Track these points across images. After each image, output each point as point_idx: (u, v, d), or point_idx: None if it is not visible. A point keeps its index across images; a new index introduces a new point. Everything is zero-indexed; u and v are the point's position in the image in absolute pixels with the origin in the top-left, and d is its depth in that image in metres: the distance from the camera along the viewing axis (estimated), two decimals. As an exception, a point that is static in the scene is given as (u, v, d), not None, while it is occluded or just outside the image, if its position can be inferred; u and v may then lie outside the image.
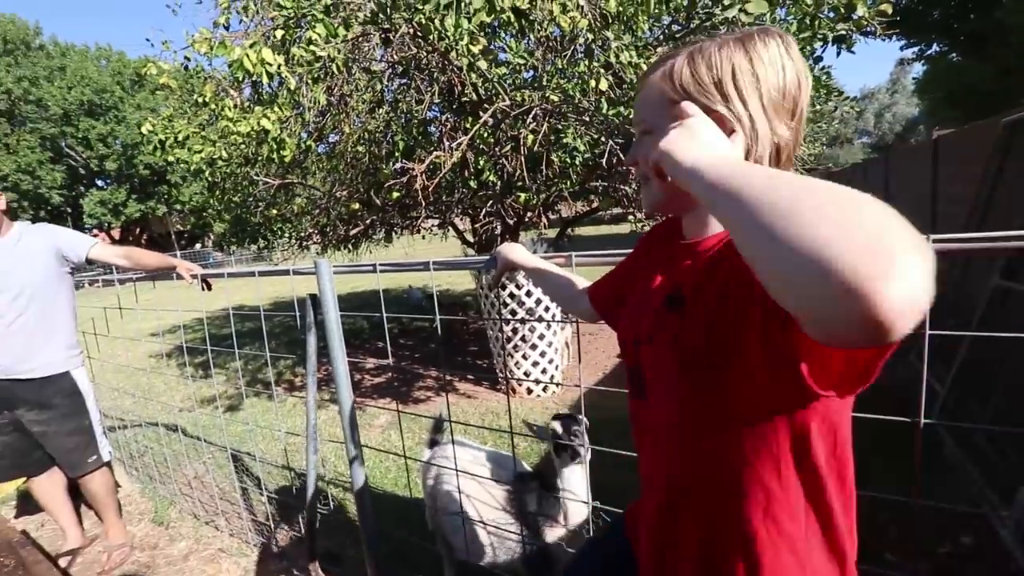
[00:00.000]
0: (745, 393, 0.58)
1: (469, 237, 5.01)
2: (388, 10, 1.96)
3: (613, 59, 2.69)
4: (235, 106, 3.19)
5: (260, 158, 3.12)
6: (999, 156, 3.76)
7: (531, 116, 2.39)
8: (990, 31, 10.84)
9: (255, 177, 3.36)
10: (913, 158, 7.37)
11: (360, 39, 2.58)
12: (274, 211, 3.81)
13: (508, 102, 2.39)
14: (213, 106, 3.05)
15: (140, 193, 27.48)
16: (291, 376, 5.34)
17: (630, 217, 4.48)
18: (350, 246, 4.61)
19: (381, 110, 2.82)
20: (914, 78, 19.90)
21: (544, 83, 2.36)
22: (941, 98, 13.98)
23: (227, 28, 3.26)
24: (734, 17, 1.85)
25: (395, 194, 3.60)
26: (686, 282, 0.66)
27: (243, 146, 3.16)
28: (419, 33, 2.11)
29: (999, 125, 3.82)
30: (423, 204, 2.83)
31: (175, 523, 2.65)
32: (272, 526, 2.40)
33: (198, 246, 31.92)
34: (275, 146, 3.03)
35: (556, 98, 2.40)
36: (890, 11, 1.83)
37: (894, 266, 0.32)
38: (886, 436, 2.90)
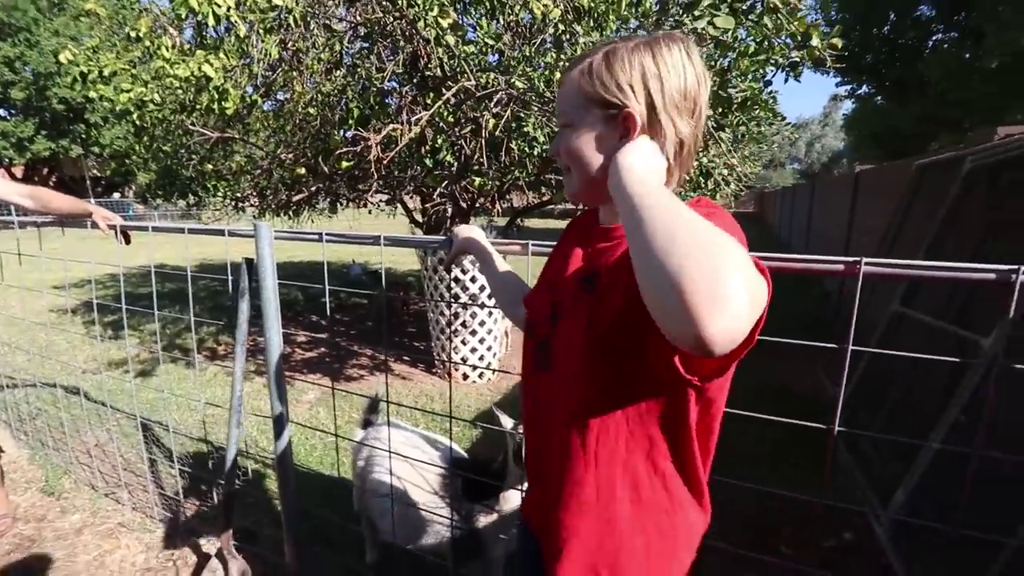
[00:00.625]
0: (642, 368, 0.68)
1: (418, 216, 4.90)
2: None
3: (579, 54, 2.70)
4: (173, 47, 2.92)
5: (199, 107, 2.87)
6: (910, 194, 4.15)
7: (495, 100, 2.36)
8: (912, 81, 11.90)
9: (191, 127, 3.10)
10: (836, 188, 8.02)
11: (322, -6, 2.43)
12: (209, 166, 3.54)
13: (473, 83, 2.35)
14: (148, 43, 2.78)
15: (52, 130, 24.61)
16: (214, 344, 5.02)
17: (579, 213, 4.55)
18: (291, 213, 4.38)
19: (338, 73, 2.67)
20: (844, 114, 21.54)
21: (511, 68, 2.33)
22: (866, 136, 15.23)
23: (171, -40, 2.97)
24: (702, 29, 1.91)
25: (345, 163, 3.45)
26: (603, 265, 0.73)
27: (180, 91, 2.90)
28: (388, -2, 2.02)
29: (913, 167, 4.22)
30: (375, 177, 2.73)
31: (68, 494, 2.43)
32: (182, 500, 2.26)
33: (116, 195, 29.14)
34: (216, 96, 2.81)
35: (521, 85, 2.38)
36: (840, 45, 1.96)
37: (720, 310, 0.43)
38: (788, 441, 3.14)
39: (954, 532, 0.97)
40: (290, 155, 3.36)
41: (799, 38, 1.94)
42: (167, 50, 2.82)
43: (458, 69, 2.50)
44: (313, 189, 3.65)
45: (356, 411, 3.45)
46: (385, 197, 5.31)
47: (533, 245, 1.27)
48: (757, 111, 2.55)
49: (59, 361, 3.97)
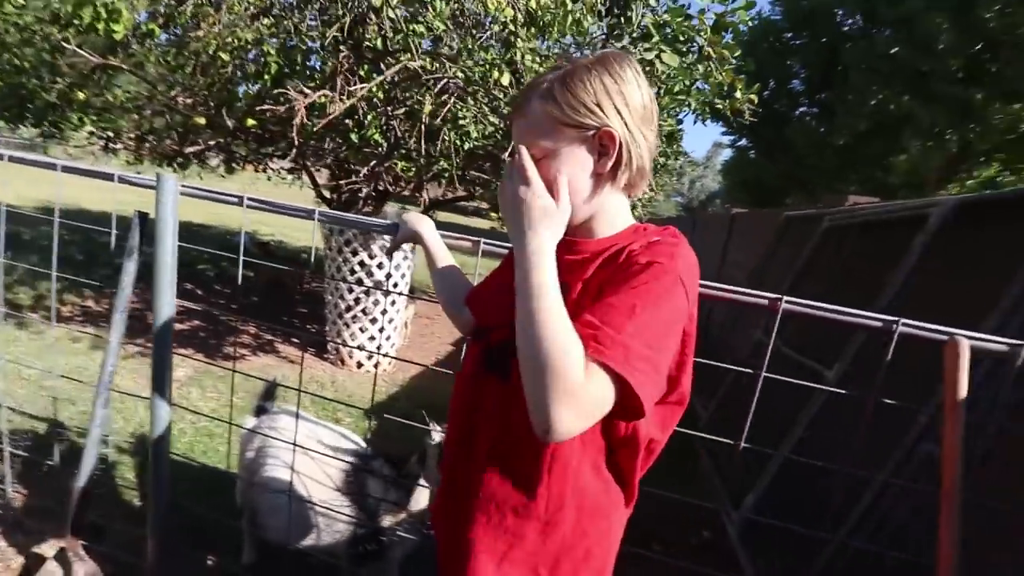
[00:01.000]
0: None
1: (325, 192, 4.59)
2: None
3: (519, 58, 2.73)
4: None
5: (78, 22, 2.41)
6: (776, 239, 4.80)
7: (440, 86, 2.29)
8: (779, 143, 13.76)
9: (64, 44, 2.59)
10: (714, 224, 9.01)
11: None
12: (81, 95, 2.97)
13: (418, 64, 2.26)
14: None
15: None
16: (59, 303, 4.24)
17: (492, 215, 4.55)
18: (176, 165, 3.85)
19: (265, 21, 2.41)
20: (723, 160, 24.31)
21: (459, 57, 2.28)
22: (738, 182, 17.28)
23: None
24: (650, 59, 2.03)
25: (251, 121, 3.13)
26: (570, 281, 0.73)
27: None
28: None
29: (781, 216, 4.88)
30: (294, 143, 2.50)
31: None
32: (9, 490, 1.88)
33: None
34: (105, 14, 2.40)
35: (467, 75, 2.34)
36: (755, 100, 2.21)
37: (547, 433, 0.58)
38: (667, 452, 3.46)
39: (792, 529, 1.14)
40: (188, 100, 2.96)
41: (724, 88, 2.15)
42: (40, -56, 2.35)
43: (401, 46, 2.39)
44: (211, 143, 3.26)
45: (238, 395, 3.13)
46: (289, 165, 4.91)
47: (484, 244, 1.25)
48: (675, 145, 2.78)
49: None
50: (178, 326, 4.23)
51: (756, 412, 1.15)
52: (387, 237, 4.42)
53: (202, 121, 3.00)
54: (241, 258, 1.40)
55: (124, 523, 1.88)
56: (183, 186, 1.45)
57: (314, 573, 1.71)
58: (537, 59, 2.82)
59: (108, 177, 1.48)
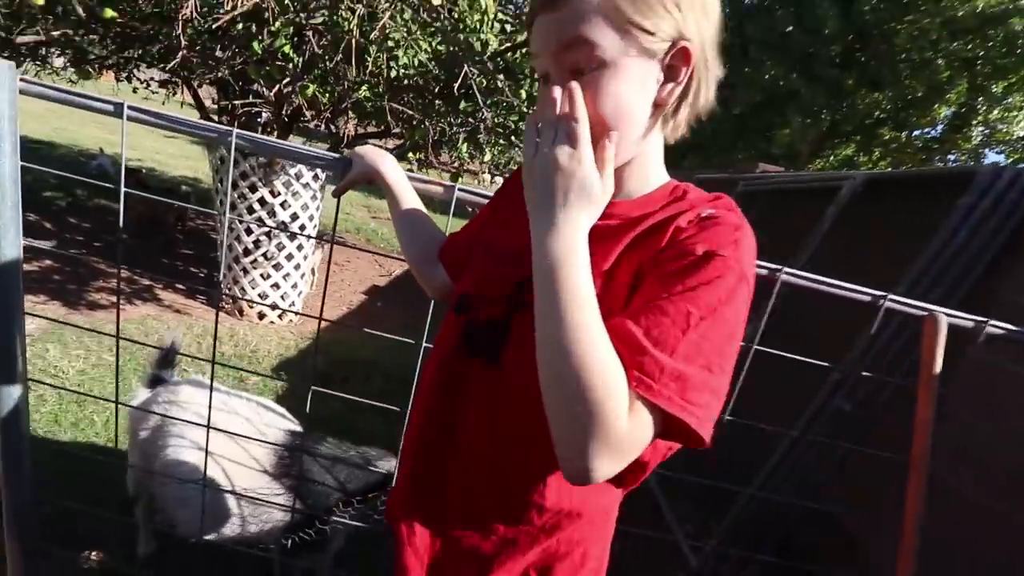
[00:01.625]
0: None
1: (213, 115, 3.89)
2: None
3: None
4: None
5: None
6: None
7: (372, -5, 1.92)
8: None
9: None
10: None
11: None
12: None
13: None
14: None
15: None
16: None
17: (411, 155, 4.18)
18: (2, 57, 2.98)
19: None
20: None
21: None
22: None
23: None
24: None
25: (110, 12, 2.47)
26: (598, 251, 0.55)
27: None
28: None
29: (693, 177, 5.08)
30: (180, 47, 1.99)
31: None
32: None
33: None
34: None
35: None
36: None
37: (589, 475, 0.46)
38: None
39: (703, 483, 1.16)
40: (18, -30, 2.24)
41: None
42: None
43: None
44: (55, 34, 2.54)
45: (106, 351, 2.62)
46: (162, 76, 4.09)
47: (460, 192, 1.05)
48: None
49: None
50: (25, 268, 3.44)
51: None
52: (303, 171, 3.87)
53: (40, 1, 2.29)
54: (123, 189, 1.06)
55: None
56: (24, 80, 1.05)
57: (232, 562, 1.48)
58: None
59: (-102, 58, 1.02)
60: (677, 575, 2.17)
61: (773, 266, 1.01)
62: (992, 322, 1.02)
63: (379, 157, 0.93)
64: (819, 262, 2.69)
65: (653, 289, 0.50)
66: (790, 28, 10.62)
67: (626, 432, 0.45)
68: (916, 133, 11.89)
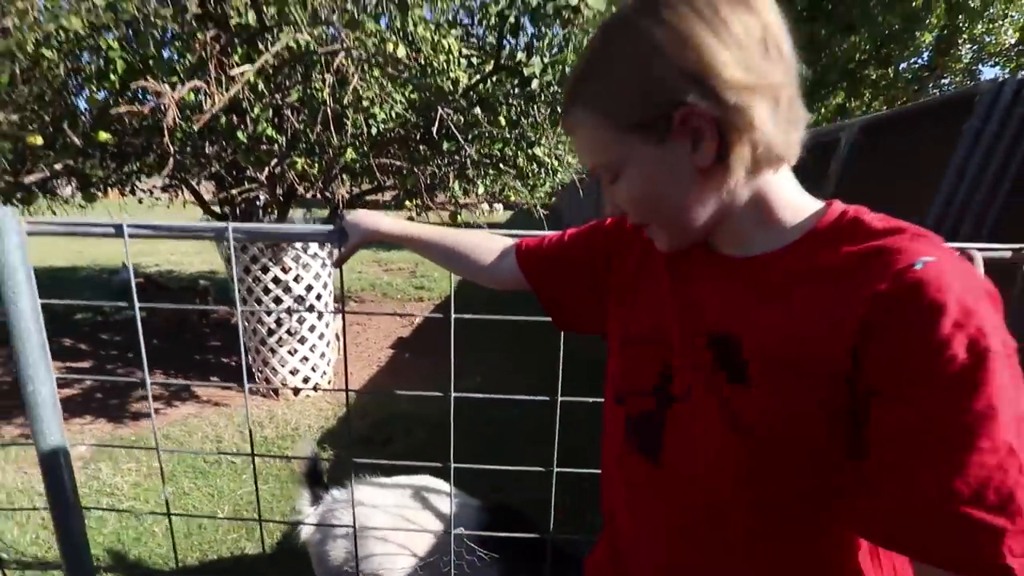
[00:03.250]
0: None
1: (215, 207, 4.03)
2: None
3: (411, 28, 2.47)
4: None
5: None
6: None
7: (337, 62, 1.98)
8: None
9: None
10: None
11: None
12: None
13: (306, 37, 1.92)
14: None
15: None
16: None
17: (407, 203, 4.23)
18: (16, 199, 3.15)
19: (98, 2, 1.93)
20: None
21: (357, 23, 1.97)
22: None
23: None
24: (575, 6, 1.87)
25: (104, 135, 2.59)
26: (744, 328, 0.50)
27: None
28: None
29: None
30: (169, 153, 2.07)
31: None
32: None
33: None
34: None
35: (370, 45, 2.05)
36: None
37: None
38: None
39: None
40: (14, 117, 2.38)
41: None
42: None
43: (280, 20, 2.03)
44: (60, 167, 2.68)
45: (155, 459, 2.66)
46: (163, 182, 4.26)
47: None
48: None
49: None
50: (67, 392, 3.55)
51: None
52: (308, 247, 3.92)
53: (39, 140, 2.42)
54: (137, 304, 1.08)
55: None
56: (30, 222, 1.09)
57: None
58: (429, 27, 2.57)
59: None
60: None
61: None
62: (1034, 247, 0.96)
63: (370, 217, 0.94)
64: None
65: (939, 430, 0.40)
66: (744, -6, 10.72)
67: None
68: (903, 66, 11.69)
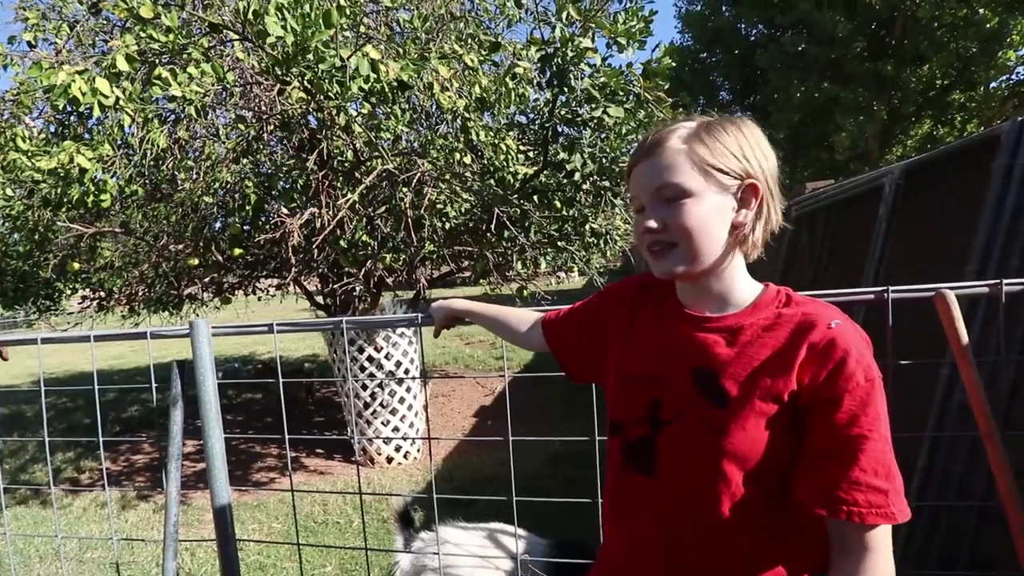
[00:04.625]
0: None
1: (319, 299, 4.70)
2: (284, 64, 1.89)
3: (473, 136, 2.97)
4: (30, 136, 2.64)
5: (67, 200, 2.57)
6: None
7: (415, 180, 2.47)
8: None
9: (57, 223, 2.74)
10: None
11: (222, 87, 2.40)
12: (76, 264, 3.09)
13: (391, 165, 2.45)
14: (-2, 135, 2.48)
15: None
16: (74, 472, 4.15)
17: (482, 281, 4.66)
18: (171, 308, 3.95)
19: (244, 161, 2.60)
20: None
21: (425, 150, 2.48)
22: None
23: (31, 46, 2.73)
24: (599, 117, 2.25)
25: (238, 251, 3.28)
26: (720, 366, 0.68)
27: (43, 185, 2.59)
28: (311, 90, 2.07)
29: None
30: (292, 261, 2.63)
31: None
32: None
33: None
34: (93, 188, 2.57)
35: (437, 165, 2.54)
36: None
37: None
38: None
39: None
40: (179, 246, 3.10)
41: (668, 123, 2.37)
42: (23, 140, 2.55)
43: (374, 155, 2.59)
44: (208, 279, 3.38)
45: (274, 520, 3.07)
46: (277, 282, 5.04)
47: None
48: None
49: None
50: (197, 465, 4.16)
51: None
52: (394, 331, 4.41)
53: (195, 262, 3.13)
54: (280, 381, 1.47)
55: None
56: (213, 327, 1.54)
57: None
58: (490, 133, 3.06)
59: (141, 336, 1.57)
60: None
61: (879, 288, 1.13)
62: (1007, 281, 1.08)
63: (448, 303, 1.27)
64: (889, 264, 2.64)
65: (848, 422, 0.62)
66: (802, 47, 10.83)
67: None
68: (993, 85, 11.10)
